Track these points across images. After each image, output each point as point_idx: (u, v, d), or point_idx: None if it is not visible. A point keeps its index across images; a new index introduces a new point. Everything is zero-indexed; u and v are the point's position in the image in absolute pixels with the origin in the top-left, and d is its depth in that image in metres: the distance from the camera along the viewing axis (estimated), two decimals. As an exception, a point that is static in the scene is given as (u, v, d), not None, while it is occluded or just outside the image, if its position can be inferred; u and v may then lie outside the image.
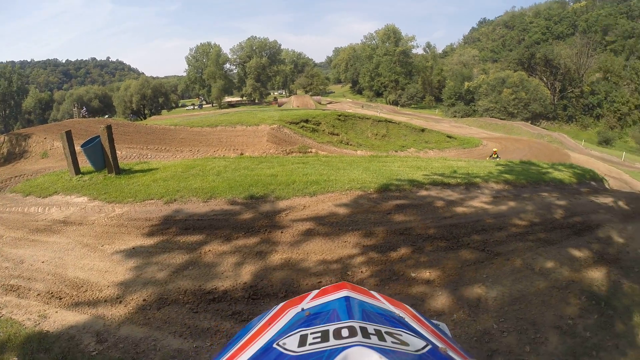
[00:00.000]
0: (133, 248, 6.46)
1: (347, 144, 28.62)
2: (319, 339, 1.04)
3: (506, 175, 11.16)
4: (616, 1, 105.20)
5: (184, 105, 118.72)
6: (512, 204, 8.91)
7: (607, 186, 15.01)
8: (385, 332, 1.06)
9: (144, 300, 5.12)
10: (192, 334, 4.52)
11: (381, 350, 0.93)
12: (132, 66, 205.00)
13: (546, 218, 8.18)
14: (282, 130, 25.32)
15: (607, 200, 10.47)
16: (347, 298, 1.31)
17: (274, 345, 1.08)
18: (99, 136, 10.65)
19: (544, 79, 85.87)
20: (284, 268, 5.69)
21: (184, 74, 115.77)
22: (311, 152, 20.58)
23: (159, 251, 6.28)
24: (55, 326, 4.86)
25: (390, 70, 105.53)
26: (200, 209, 7.83)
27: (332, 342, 1.00)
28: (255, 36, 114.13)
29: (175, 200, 8.23)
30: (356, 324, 1.08)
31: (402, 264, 5.89)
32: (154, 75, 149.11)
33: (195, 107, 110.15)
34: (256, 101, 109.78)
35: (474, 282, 5.57)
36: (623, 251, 7.15)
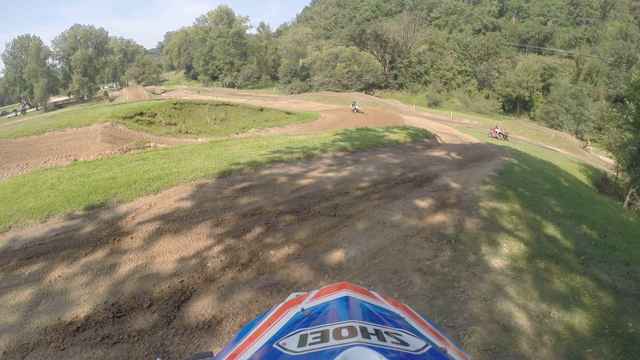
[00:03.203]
0: (-27, 295, 5.52)
1: (187, 132, 27.59)
2: (318, 339, 1.01)
3: (345, 143, 11.77)
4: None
5: (4, 113, 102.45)
6: (354, 168, 9.45)
7: (439, 141, 16.67)
8: (385, 332, 1.05)
9: (4, 353, 4.40)
10: (65, 373, 4.01)
11: (381, 350, 0.91)
12: None
13: (387, 176, 8.84)
14: (116, 127, 23.43)
15: (441, 153, 11.68)
16: (346, 298, 1.29)
17: (274, 345, 1.05)
18: None
19: (375, 52, 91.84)
20: (141, 275, 5.36)
21: (1, 76, 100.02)
22: (150, 146, 19.54)
23: (3, 291, 5.39)
24: None
25: (224, 53, 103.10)
26: (39, 231, 6.87)
27: (332, 342, 0.98)
28: (80, 24, 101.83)
29: (10, 228, 7.05)
30: (356, 324, 1.07)
31: (260, 244, 5.94)
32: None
33: (18, 114, 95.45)
34: (85, 98, 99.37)
35: (332, 246, 5.83)
36: (461, 194, 8.08)
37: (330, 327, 1.08)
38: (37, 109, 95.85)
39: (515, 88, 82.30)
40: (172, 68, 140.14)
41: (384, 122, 31.80)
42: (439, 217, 7.03)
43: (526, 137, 51.79)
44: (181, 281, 5.18)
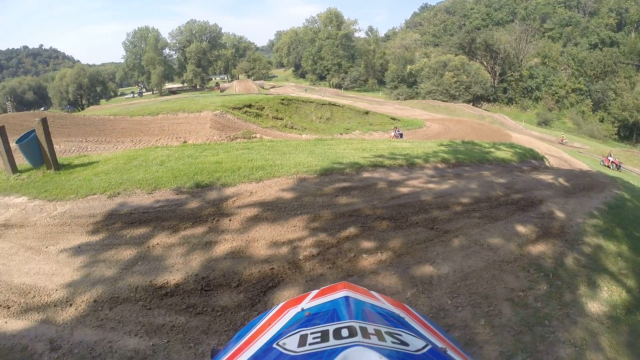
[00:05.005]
0: (78, 247, 6.18)
1: (292, 128, 28.51)
2: (318, 339, 1.04)
3: (449, 155, 11.47)
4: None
5: (123, 94, 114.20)
6: (456, 182, 9.19)
7: (547, 164, 15.73)
8: (385, 332, 1.07)
9: (95, 301, 4.93)
10: (147, 332, 4.41)
11: (381, 350, 0.93)
12: (66, 54, 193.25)
13: (490, 195, 8.49)
14: (225, 116, 24.86)
15: (548, 177, 11.00)
16: (346, 298, 1.32)
17: (274, 345, 1.08)
18: (34, 130, 10.09)
19: (485, 63, 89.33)
20: (234, 256, 5.64)
21: (122, 61, 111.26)
22: (256, 137, 20.36)
23: (105, 248, 6.05)
24: (6, 337, 4.59)
25: (332, 54, 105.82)
26: (145, 201, 7.58)
27: (332, 342, 1.00)
28: (195, 20, 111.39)
29: (118, 193, 7.91)
30: (356, 324, 1.09)
31: (353, 244, 5.96)
32: (91, 63, 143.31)
33: (135, 95, 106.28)
34: (198, 87, 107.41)
35: (425, 260, 5.72)
36: (566, 225, 7.55)
37: (331, 327, 1.10)
38: (153, 93, 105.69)
39: (633, 112, 74.89)
40: (281, 65, 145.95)
41: (490, 137, 30.55)
42: (539, 247, 6.58)
43: (642, 169, 46.65)
44: (271, 268, 5.36)
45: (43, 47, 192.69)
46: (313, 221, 6.59)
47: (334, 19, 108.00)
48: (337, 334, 1.04)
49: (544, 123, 75.28)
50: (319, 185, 8.19)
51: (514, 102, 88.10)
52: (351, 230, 6.33)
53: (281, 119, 29.51)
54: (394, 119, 38.05)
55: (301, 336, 1.08)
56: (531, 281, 5.60)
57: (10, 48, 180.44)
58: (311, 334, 1.08)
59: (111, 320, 4.63)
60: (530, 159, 14.01)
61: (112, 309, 4.80)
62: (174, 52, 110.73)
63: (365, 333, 1.03)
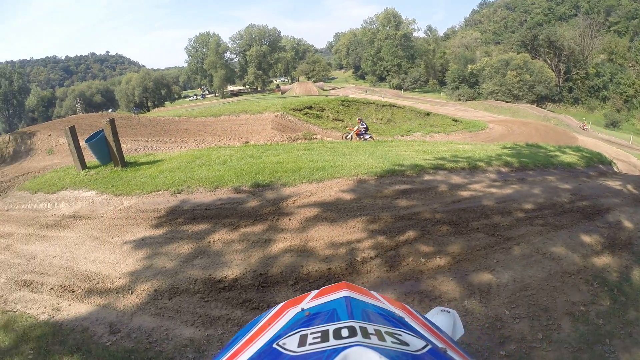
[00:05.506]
0: (142, 239, 6.51)
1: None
2: (318, 339, 1.04)
3: (512, 159, 11.09)
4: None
5: (186, 96, 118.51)
6: (519, 187, 8.86)
7: (615, 169, 14.86)
8: (385, 332, 1.07)
9: (155, 290, 5.18)
10: (203, 322, 4.56)
11: (381, 350, 0.93)
12: (132, 59, 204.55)
13: (555, 202, 8.12)
14: (286, 117, 25.23)
15: (616, 184, 10.38)
16: (346, 298, 1.31)
17: (274, 346, 1.08)
18: (102, 130, 10.67)
19: (548, 60, 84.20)
20: (293, 255, 5.69)
21: (185, 65, 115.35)
22: (316, 138, 20.50)
23: (167, 241, 6.33)
24: (69, 319, 4.95)
25: (392, 55, 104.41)
26: (207, 198, 7.85)
27: (332, 342, 1.00)
28: (254, 24, 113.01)
29: (182, 190, 8.26)
30: (356, 324, 1.09)
31: (411, 248, 5.85)
32: (155, 68, 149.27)
33: (198, 98, 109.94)
34: (259, 89, 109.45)
35: (484, 267, 5.53)
36: (634, 236, 7.07)
37: (331, 327, 1.10)
38: (215, 95, 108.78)
39: None
40: (341, 67, 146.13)
41: (555, 140, 28.99)
42: (604, 259, 6.14)
43: None
44: (329, 268, 5.37)
45: (109, 54, 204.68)
46: (372, 223, 6.53)
47: (392, 19, 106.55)
48: (337, 334, 1.05)
49: (612, 125, 70.16)
50: (379, 187, 8.13)
51: (579, 102, 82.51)
52: (410, 234, 6.22)
53: (342, 120, 29.55)
54: (455, 121, 37.25)
55: (301, 336, 1.09)
56: (594, 295, 5.28)
57: (79, 55, 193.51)
58: (311, 334, 1.09)
59: (169, 309, 4.83)
60: (598, 164, 13.27)
61: (171, 298, 5.00)
62: (234, 56, 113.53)
63: (365, 333, 1.04)
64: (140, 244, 6.38)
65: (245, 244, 6.04)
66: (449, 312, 1.83)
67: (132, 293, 5.21)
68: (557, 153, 13.20)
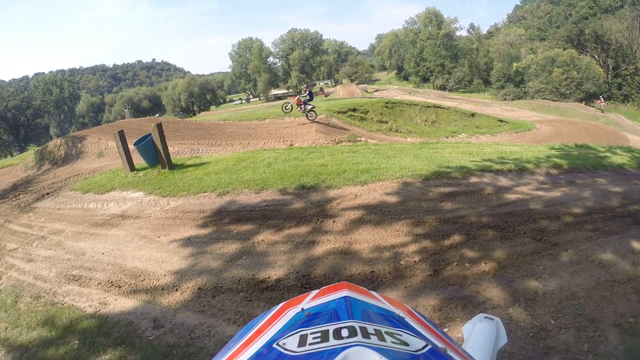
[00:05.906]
0: (188, 239, 6.67)
1: (397, 131, 28.19)
2: (318, 339, 1.03)
3: (561, 160, 10.74)
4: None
5: (231, 101, 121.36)
6: (568, 190, 8.55)
7: None
8: (385, 332, 1.06)
9: (199, 288, 5.30)
10: (245, 321, 4.57)
11: (381, 350, 0.92)
12: (177, 66, 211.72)
13: (605, 206, 7.78)
14: (330, 120, 25.31)
15: None
16: (346, 298, 1.30)
17: (274, 346, 1.07)
18: (150, 134, 11.02)
19: (596, 56, 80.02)
20: (336, 257, 5.69)
21: (229, 70, 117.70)
22: (361, 140, 20.40)
23: (212, 241, 6.47)
24: (115, 312, 5.16)
25: (435, 55, 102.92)
26: (252, 199, 7.98)
27: (332, 342, 0.99)
28: (296, 28, 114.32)
29: (227, 192, 8.44)
30: (356, 324, 1.08)
31: (456, 253, 5.73)
32: (200, 73, 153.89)
33: (243, 102, 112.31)
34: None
35: (530, 274, 5.34)
36: None
37: (330, 327, 1.08)
38: (259, 99, 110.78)
39: None
40: (384, 68, 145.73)
41: (605, 140, 27.74)
42: None
43: None
44: (372, 271, 5.34)
45: (155, 61, 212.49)
46: (416, 226, 6.46)
47: (434, 18, 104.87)
48: (337, 334, 1.04)
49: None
50: (424, 190, 8.03)
51: (630, 99, 78.16)
52: (455, 238, 6.10)
53: (386, 122, 29.33)
54: (501, 121, 36.38)
55: (301, 336, 1.07)
56: (643, 307, 5.03)
57: (126, 62, 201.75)
58: (311, 334, 1.07)
59: (212, 307, 4.93)
60: (650, 165, 12.69)
61: (215, 297, 5.11)
62: (277, 60, 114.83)
63: (365, 333, 1.02)
64: (185, 243, 6.55)
65: (289, 245, 6.09)
66: (493, 319, 1.78)
67: (176, 290, 5.36)
68: (608, 154, 12.70)
